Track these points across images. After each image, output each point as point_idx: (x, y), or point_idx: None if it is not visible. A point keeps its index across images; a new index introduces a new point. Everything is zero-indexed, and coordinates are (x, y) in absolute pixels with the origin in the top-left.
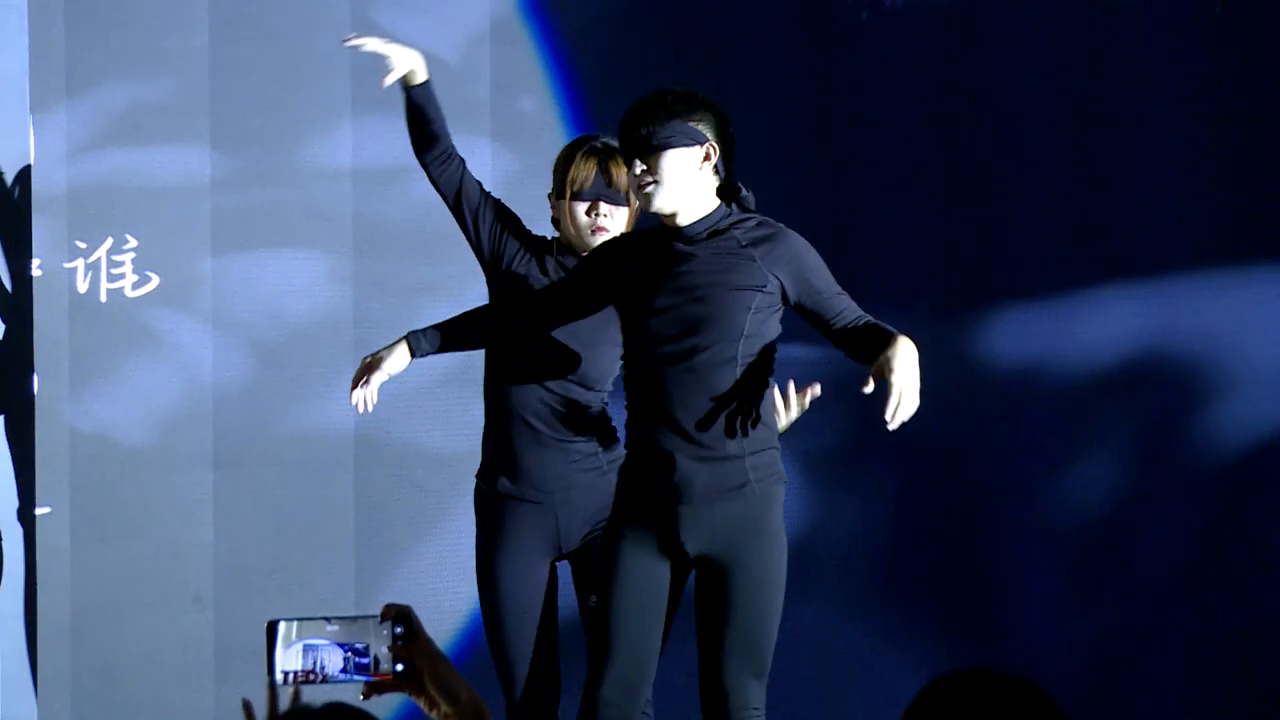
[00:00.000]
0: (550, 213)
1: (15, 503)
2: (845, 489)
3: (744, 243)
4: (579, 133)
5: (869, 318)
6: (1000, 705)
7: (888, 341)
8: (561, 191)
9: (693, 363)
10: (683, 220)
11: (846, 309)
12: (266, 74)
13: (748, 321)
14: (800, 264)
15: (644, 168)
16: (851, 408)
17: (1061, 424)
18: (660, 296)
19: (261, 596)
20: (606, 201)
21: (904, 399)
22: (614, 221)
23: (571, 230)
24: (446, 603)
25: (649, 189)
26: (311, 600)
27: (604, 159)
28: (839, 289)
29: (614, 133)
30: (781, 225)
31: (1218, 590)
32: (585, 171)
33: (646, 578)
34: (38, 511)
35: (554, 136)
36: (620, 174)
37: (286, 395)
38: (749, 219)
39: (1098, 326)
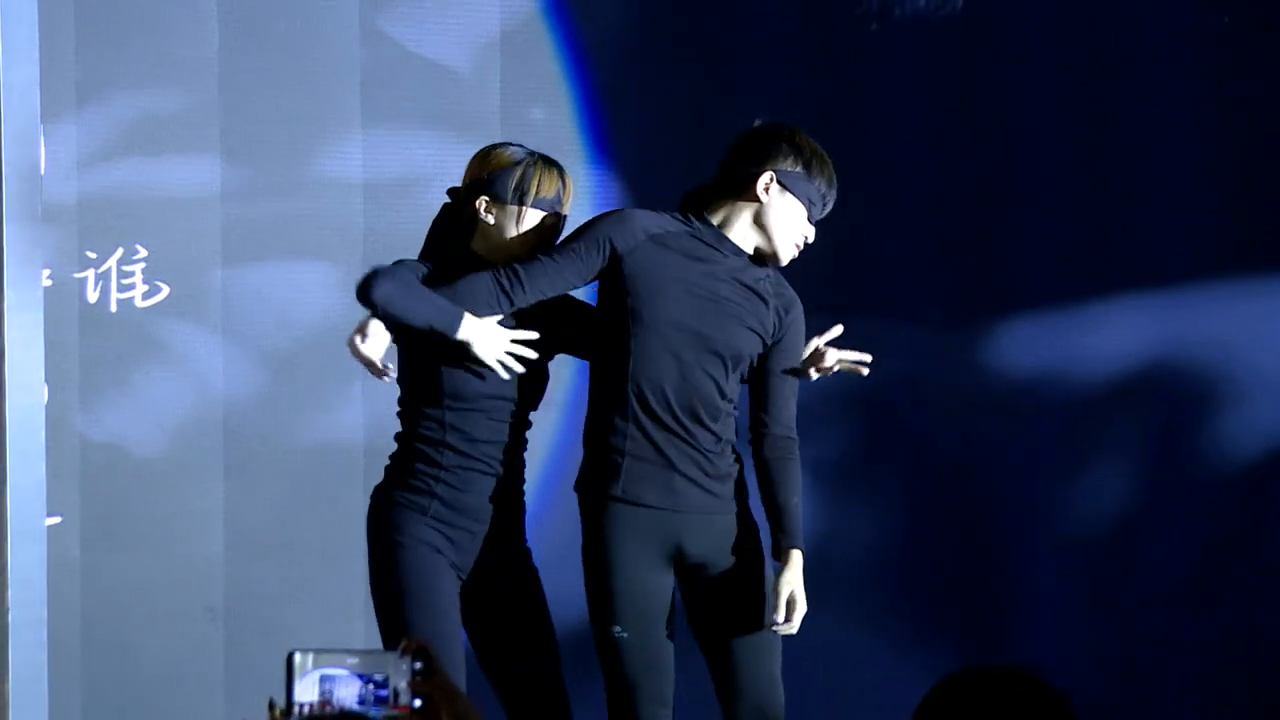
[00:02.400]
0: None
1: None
2: (856, 499)
3: (772, 293)
4: (593, 143)
5: (795, 459)
6: (1013, 702)
7: (788, 548)
8: (521, 199)
9: (699, 379)
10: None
11: (789, 415)
12: (277, 84)
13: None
14: (797, 340)
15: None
16: (861, 418)
17: (1072, 434)
18: (695, 310)
19: (272, 606)
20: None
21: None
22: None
23: (530, 241)
24: None
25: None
26: (322, 611)
27: (557, 171)
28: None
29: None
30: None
31: (1229, 600)
32: (549, 182)
33: (661, 595)
34: (48, 521)
35: (565, 146)
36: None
37: (297, 406)
38: (772, 272)
39: (1108, 337)
